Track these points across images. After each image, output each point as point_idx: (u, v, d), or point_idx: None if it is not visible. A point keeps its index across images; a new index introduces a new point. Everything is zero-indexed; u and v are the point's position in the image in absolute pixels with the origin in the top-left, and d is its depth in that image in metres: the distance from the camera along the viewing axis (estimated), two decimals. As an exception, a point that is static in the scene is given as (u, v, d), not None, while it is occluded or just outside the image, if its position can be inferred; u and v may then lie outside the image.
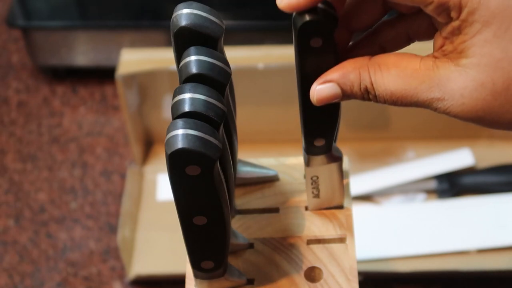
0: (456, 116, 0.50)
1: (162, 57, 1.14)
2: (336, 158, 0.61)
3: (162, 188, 1.21)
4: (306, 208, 0.64)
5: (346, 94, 0.51)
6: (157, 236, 1.15)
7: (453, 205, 1.12)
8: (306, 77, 0.53)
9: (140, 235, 1.15)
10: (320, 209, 0.64)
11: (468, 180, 1.15)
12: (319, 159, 0.60)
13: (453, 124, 1.18)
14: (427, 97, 0.50)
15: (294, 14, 0.51)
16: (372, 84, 0.51)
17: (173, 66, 1.11)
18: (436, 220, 1.11)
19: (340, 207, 0.64)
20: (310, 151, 0.60)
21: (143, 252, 1.13)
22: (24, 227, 1.20)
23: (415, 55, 0.51)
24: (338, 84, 0.51)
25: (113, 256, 1.16)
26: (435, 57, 0.50)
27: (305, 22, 0.50)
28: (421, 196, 1.15)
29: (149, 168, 1.23)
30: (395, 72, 0.50)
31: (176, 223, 0.54)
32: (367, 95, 0.51)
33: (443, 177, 1.15)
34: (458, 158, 1.17)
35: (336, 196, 0.63)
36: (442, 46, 0.50)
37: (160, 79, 1.16)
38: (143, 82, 1.16)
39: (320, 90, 0.51)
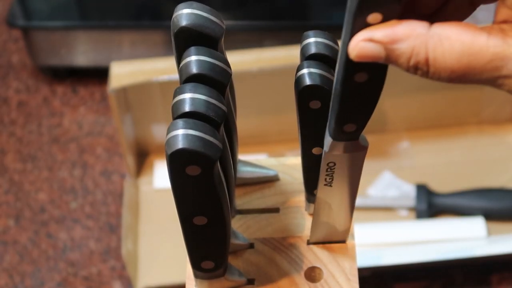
0: None
1: (152, 68, 1.13)
2: (361, 148, 0.57)
3: (159, 178, 1.20)
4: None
5: (389, 61, 0.46)
6: (160, 247, 1.14)
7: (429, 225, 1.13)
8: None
9: (143, 247, 1.15)
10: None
11: (445, 201, 1.16)
12: (342, 145, 0.56)
13: (444, 113, 1.23)
14: (493, 75, 0.45)
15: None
16: (427, 61, 0.45)
17: (164, 76, 1.12)
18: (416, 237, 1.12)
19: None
20: (336, 136, 0.55)
21: (148, 263, 1.13)
22: (24, 227, 1.20)
23: (477, 27, 0.45)
24: (385, 49, 0.45)
25: (113, 256, 1.16)
26: (503, 31, 0.45)
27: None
28: (404, 212, 1.17)
29: (144, 180, 1.22)
30: (460, 48, 0.44)
31: (178, 231, 0.54)
32: (414, 70, 0.46)
33: (422, 197, 1.16)
34: (471, 228, 1.16)
35: (349, 188, 0.60)
36: (507, 19, 0.46)
37: (151, 91, 1.15)
38: (135, 94, 1.15)
39: (364, 47, 0.46)
